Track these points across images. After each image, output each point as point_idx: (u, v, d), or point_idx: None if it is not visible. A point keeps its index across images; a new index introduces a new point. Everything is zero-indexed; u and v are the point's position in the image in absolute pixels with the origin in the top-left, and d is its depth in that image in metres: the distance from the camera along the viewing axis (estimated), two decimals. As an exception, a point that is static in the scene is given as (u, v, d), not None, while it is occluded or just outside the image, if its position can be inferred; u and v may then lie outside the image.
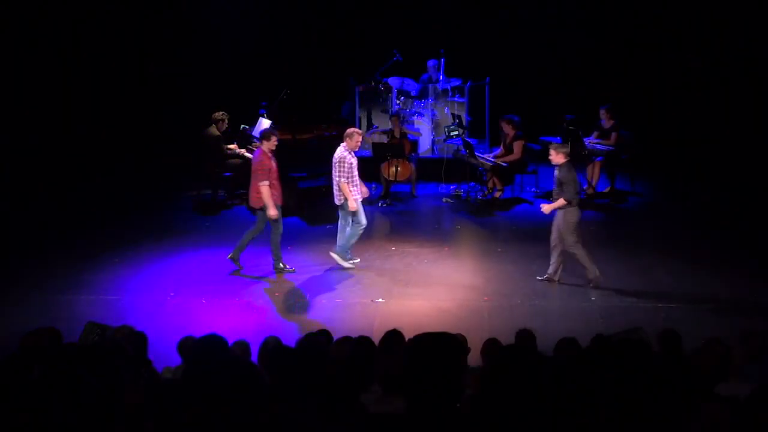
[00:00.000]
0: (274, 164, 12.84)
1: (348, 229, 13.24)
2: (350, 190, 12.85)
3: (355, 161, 12.92)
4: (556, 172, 12.36)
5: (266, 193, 12.70)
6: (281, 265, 13.22)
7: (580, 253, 12.42)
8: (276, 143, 12.88)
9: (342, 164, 12.85)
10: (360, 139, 13.00)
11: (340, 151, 12.93)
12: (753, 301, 12.07)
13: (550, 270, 12.71)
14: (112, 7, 20.41)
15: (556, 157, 12.25)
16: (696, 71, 19.50)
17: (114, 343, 6.96)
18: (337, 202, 13.16)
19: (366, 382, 6.57)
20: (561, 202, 12.24)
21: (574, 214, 12.27)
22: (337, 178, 12.93)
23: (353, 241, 13.31)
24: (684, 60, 19.63)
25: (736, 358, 7.47)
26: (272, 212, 12.76)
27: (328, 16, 21.46)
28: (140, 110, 20.69)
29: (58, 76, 20.13)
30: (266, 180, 12.70)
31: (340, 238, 13.37)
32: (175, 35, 21.16)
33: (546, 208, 12.57)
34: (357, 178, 12.99)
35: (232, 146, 16.99)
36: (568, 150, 12.35)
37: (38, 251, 14.30)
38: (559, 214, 12.39)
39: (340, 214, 13.35)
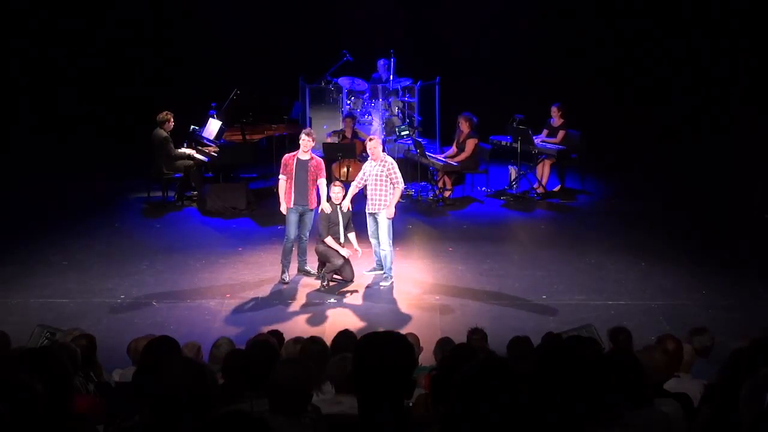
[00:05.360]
0: (293, 162, 12.68)
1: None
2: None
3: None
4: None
5: (279, 188, 12.80)
6: (284, 275, 12.92)
7: None
8: (305, 143, 12.65)
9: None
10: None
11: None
12: (702, 298, 12.24)
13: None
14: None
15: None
16: (649, 67, 19.64)
17: (63, 346, 6.88)
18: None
19: (319, 382, 6.56)
20: None
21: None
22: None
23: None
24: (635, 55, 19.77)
25: (687, 355, 7.56)
26: (281, 208, 12.82)
27: (278, 16, 21.37)
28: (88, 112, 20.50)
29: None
30: (282, 174, 12.71)
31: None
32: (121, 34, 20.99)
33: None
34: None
35: (183, 150, 16.82)
36: None
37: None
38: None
39: None
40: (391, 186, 12.76)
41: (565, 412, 3.96)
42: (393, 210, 12.81)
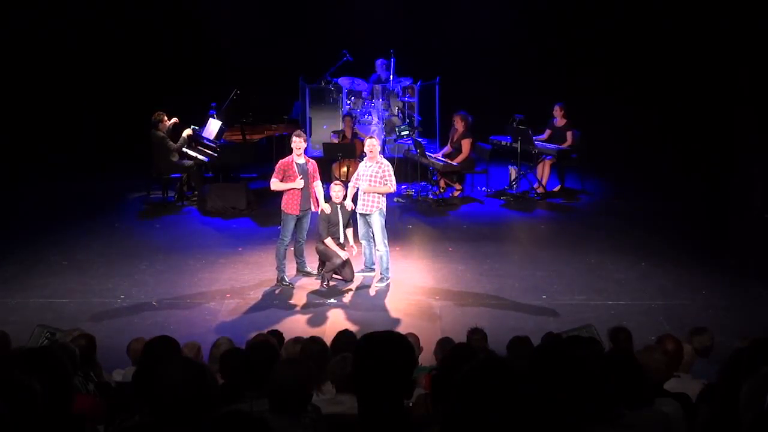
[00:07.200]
0: (294, 168, 12.50)
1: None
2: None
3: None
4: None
5: (278, 186, 12.60)
6: (282, 275, 12.76)
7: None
8: (298, 145, 12.51)
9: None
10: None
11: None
12: (702, 298, 12.23)
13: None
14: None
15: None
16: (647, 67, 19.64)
17: (63, 346, 6.88)
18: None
19: (319, 382, 6.56)
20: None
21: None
22: None
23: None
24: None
25: (687, 355, 7.56)
26: (296, 184, 12.57)
27: (278, 16, 21.35)
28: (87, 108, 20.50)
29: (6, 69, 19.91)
30: (275, 178, 12.58)
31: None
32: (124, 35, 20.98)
33: None
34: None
35: (181, 140, 16.77)
36: None
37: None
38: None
39: None
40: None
41: (565, 411, 3.96)
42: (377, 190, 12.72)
